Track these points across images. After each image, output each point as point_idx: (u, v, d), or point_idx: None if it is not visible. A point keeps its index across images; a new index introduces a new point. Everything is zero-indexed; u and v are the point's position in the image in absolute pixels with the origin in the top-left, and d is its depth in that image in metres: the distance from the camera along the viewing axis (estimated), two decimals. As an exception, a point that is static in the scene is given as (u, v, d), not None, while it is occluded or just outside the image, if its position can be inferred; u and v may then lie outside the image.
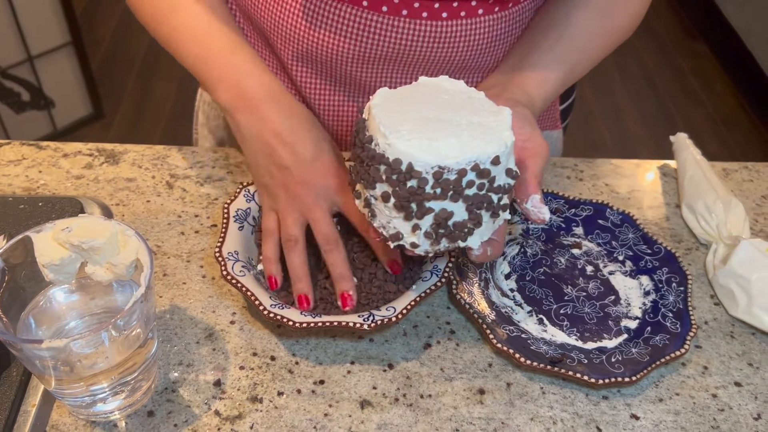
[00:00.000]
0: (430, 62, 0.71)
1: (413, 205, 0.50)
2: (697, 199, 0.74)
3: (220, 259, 0.60)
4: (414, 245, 0.52)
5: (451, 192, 0.49)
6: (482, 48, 0.70)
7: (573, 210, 0.72)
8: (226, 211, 0.64)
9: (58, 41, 2.14)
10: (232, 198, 0.66)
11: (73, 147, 0.79)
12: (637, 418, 0.57)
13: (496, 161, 0.49)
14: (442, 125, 0.50)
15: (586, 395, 0.59)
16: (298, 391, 0.58)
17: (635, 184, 0.80)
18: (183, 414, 0.55)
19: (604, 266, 0.69)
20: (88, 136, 2.26)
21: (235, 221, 0.64)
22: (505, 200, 0.52)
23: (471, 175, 0.49)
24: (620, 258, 0.70)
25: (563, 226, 0.72)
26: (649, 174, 0.82)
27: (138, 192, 0.74)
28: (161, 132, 2.31)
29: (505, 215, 0.53)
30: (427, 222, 0.50)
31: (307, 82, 0.74)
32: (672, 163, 0.83)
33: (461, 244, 0.52)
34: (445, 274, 0.61)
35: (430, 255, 0.57)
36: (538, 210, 0.56)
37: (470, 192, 0.49)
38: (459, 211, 0.50)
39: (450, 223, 0.50)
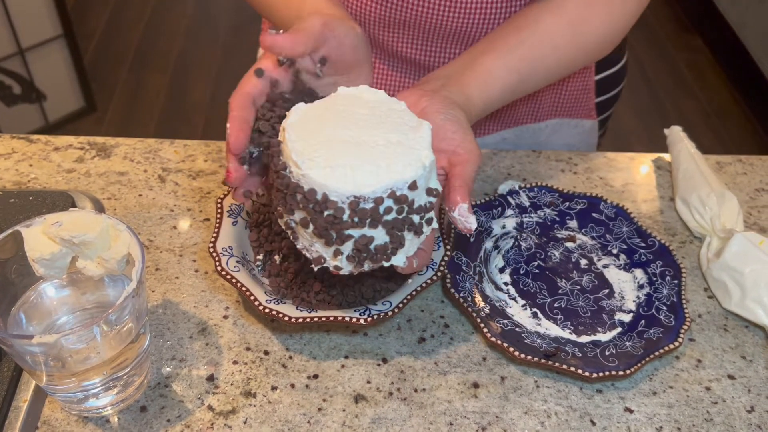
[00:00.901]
0: (447, 31, 0.73)
1: (332, 233, 0.49)
2: (691, 192, 0.74)
3: (214, 254, 0.60)
4: (337, 268, 0.52)
5: (369, 220, 0.48)
6: (497, 20, 0.71)
7: (567, 203, 0.72)
8: (219, 206, 0.64)
9: (49, 33, 2.12)
10: (226, 193, 0.65)
11: (64, 140, 0.78)
12: (631, 412, 0.57)
13: (413, 186, 0.49)
14: (358, 149, 0.49)
15: (580, 389, 0.59)
16: (292, 386, 0.57)
17: (629, 177, 0.80)
18: (176, 409, 0.55)
19: (598, 260, 0.69)
20: (80, 129, 2.25)
21: (228, 216, 0.64)
22: (429, 215, 0.51)
23: (388, 202, 0.48)
24: (614, 251, 0.69)
25: (557, 219, 0.72)
26: (643, 167, 0.82)
27: (130, 186, 0.74)
28: (155, 125, 2.29)
29: (430, 228, 0.52)
30: (348, 247, 0.50)
31: None
32: (666, 156, 0.83)
33: (385, 264, 0.51)
34: (440, 268, 0.60)
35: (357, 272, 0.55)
36: (465, 219, 0.54)
37: (389, 218, 0.49)
38: (380, 236, 0.50)
39: (372, 247, 0.50)
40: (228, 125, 0.53)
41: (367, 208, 0.48)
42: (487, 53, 0.65)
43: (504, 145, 0.87)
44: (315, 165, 0.48)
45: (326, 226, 0.49)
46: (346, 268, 0.51)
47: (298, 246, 0.53)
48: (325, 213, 0.48)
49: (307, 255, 0.52)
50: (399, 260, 0.52)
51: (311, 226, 0.49)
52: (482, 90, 0.63)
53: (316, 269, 0.52)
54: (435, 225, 0.53)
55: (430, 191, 0.51)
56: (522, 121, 0.86)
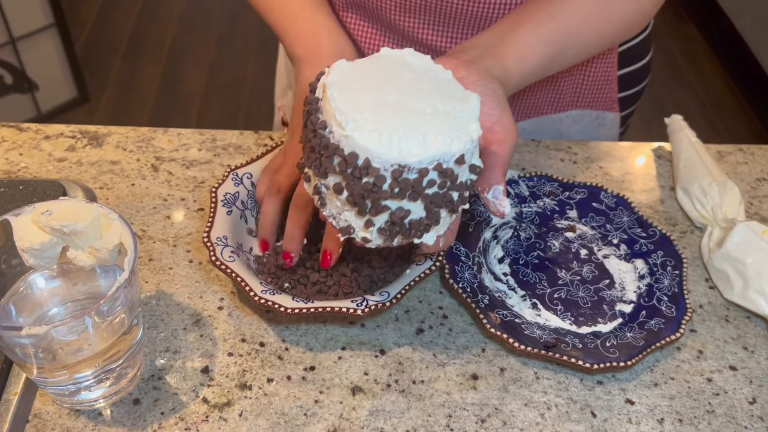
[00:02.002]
0: (467, 16, 0.72)
1: (368, 202, 0.46)
2: (692, 181, 0.73)
3: (208, 244, 0.58)
4: (366, 240, 0.49)
5: (410, 191, 0.45)
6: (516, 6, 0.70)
7: (567, 193, 0.71)
8: (213, 195, 0.63)
9: (41, 22, 2.10)
10: (220, 182, 0.64)
11: (55, 129, 0.77)
12: (632, 403, 0.57)
13: (460, 160, 0.46)
14: (404, 114, 0.46)
15: (580, 380, 0.58)
16: (288, 378, 0.56)
17: (629, 166, 0.79)
18: (170, 402, 0.54)
19: (599, 250, 0.68)
20: (73, 119, 2.23)
21: (223, 206, 0.63)
22: (466, 195, 0.49)
23: (432, 175, 0.45)
24: (615, 241, 0.69)
25: (557, 209, 0.71)
26: (643, 156, 0.81)
27: (122, 175, 0.73)
28: (149, 115, 2.28)
29: (463, 207, 0.50)
30: (381, 219, 0.47)
31: (357, 28, 0.79)
32: (666, 146, 0.82)
33: (416, 240, 0.49)
34: (439, 259, 0.59)
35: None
36: (499, 202, 0.53)
37: (431, 191, 0.46)
38: (417, 210, 0.47)
39: (406, 221, 0.47)
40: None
41: (410, 179, 0.45)
42: (520, 26, 0.63)
43: (523, 136, 0.85)
44: (359, 127, 0.44)
45: (363, 194, 0.45)
46: (376, 241, 0.48)
47: (323, 213, 0.49)
48: (364, 180, 0.45)
49: (333, 223, 0.49)
50: (430, 238, 0.49)
51: (345, 193, 0.46)
52: (519, 62, 0.61)
53: (342, 238, 0.50)
54: (467, 205, 0.50)
55: (473, 168, 0.48)
56: (542, 111, 0.85)
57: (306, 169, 0.49)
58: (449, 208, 0.48)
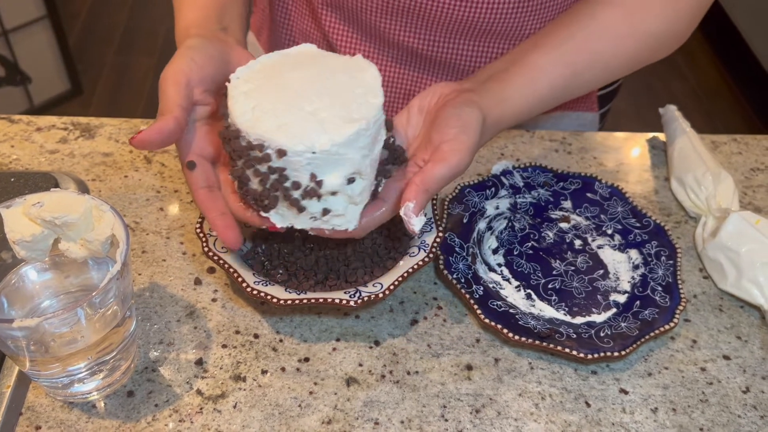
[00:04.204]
0: (452, 21, 0.70)
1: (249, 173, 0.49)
2: (686, 171, 0.73)
3: (201, 235, 0.58)
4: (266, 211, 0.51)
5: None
6: (507, 13, 0.68)
7: (561, 183, 0.71)
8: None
9: (33, 14, 2.08)
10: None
11: (47, 121, 0.76)
12: (626, 393, 0.57)
13: (282, 153, 0.47)
14: (295, 107, 0.48)
15: (574, 370, 0.58)
16: (283, 369, 0.56)
17: (623, 157, 0.79)
18: (164, 393, 0.54)
19: (593, 240, 0.68)
20: (66, 112, 2.20)
21: (215, 196, 0.62)
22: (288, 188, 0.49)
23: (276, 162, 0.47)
24: (609, 232, 0.69)
25: (551, 199, 0.71)
26: (638, 147, 0.81)
27: (115, 167, 0.72)
28: (143, 108, 2.26)
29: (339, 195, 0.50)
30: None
31: (335, 29, 0.76)
32: (660, 136, 0.82)
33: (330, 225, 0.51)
34: (433, 250, 0.59)
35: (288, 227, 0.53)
36: (408, 220, 0.50)
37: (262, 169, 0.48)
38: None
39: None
40: (214, 231, 0.53)
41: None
42: (536, 49, 0.61)
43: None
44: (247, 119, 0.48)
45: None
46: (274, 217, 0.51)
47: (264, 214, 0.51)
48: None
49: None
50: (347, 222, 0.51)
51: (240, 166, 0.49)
52: (527, 86, 0.59)
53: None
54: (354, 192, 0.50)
55: (313, 177, 0.49)
56: None
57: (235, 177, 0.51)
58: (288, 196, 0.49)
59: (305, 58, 0.53)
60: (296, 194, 0.48)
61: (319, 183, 0.48)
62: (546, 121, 0.86)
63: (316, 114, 0.48)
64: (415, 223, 0.51)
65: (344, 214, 0.51)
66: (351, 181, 0.49)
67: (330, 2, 0.74)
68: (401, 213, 0.51)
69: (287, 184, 0.48)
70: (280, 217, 0.51)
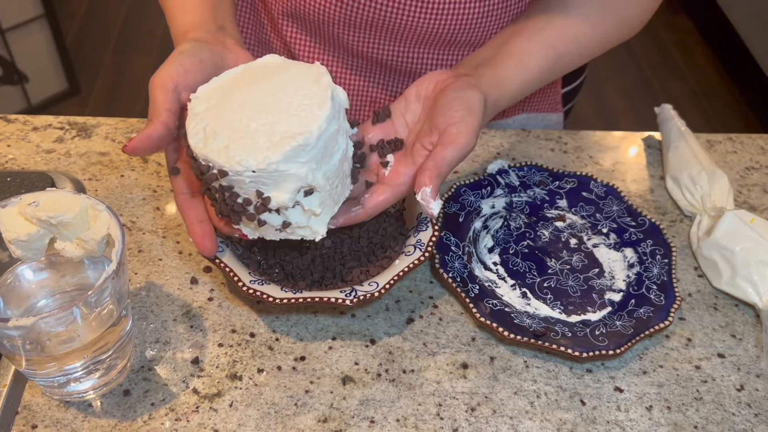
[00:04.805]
0: (417, 33, 0.69)
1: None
2: (681, 170, 0.73)
3: (197, 234, 0.58)
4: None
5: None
6: (472, 23, 0.68)
7: (557, 182, 0.71)
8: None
9: (30, 13, 2.08)
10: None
11: (44, 120, 0.77)
12: (621, 391, 0.57)
13: (222, 174, 0.48)
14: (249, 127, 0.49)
15: (569, 369, 0.58)
16: (279, 368, 0.57)
17: (619, 156, 0.79)
18: (160, 392, 0.54)
19: (588, 239, 0.68)
20: (64, 112, 2.21)
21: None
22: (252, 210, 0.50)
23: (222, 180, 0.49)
24: (604, 230, 0.69)
25: (547, 198, 0.71)
26: (633, 146, 0.81)
27: (111, 166, 0.72)
28: (140, 108, 2.26)
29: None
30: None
31: (295, 39, 0.75)
32: (656, 135, 0.82)
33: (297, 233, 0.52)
34: (429, 248, 0.59)
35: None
36: (426, 204, 0.52)
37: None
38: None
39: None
40: (191, 238, 0.54)
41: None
42: (518, 35, 0.63)
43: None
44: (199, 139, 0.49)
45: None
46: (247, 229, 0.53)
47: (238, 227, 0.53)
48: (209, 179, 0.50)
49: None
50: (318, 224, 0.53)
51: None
52: (519, 69, 0.62)
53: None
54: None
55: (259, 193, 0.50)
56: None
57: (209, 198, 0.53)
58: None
59: (268, 69, 0.53)
60: (251, 209, 0.50)
61: (266, 200, 0.49)
62: (511, 126, 0.87)
63: (259, 131, 0.48)
64: (434, 206, 0.52)
65: (307, 225, 0.51)
66: (308, 193, 0.50)
67: (291, 13, 0.73)
68: (418, 198, 0.52)
69: (239, 200, 0.49)
70: (250, 230, 0.52)
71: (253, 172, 0.47)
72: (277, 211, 0.50)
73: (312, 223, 0.52)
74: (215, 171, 0.48)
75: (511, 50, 0.63)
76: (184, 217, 0.54)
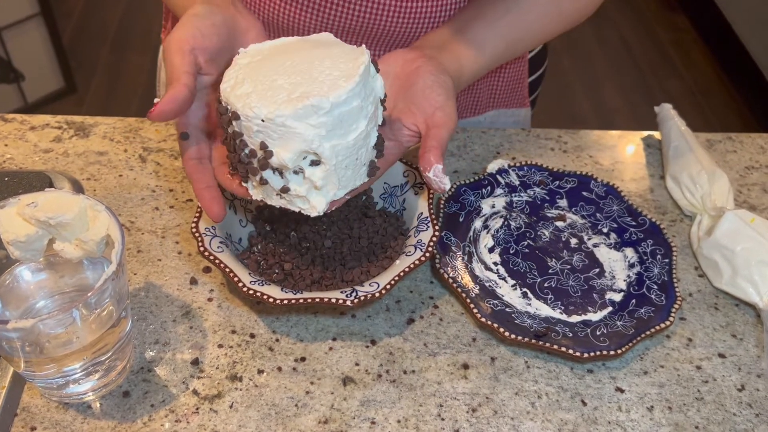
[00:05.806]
0: (395, 37, 0.71)
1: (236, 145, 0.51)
2: (681, 170, 0.73)
3: (196, 234, 0.58)
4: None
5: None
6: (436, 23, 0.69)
7: (557, 182, 0.71)
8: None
9: (26, 12, 2.07)
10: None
11: (41, 119, 0.76)
12: (622, 391, 0.57)
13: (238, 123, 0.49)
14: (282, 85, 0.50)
15: (570, 369, 0.58)
16: (279, 369, 0.56)
17: (619, 155, 0.79)
18: (160, 394, 0.54)
19: (589, 239, 0.68)
20: (60, 110, 2.20)
21: (211, 195, 0.62)
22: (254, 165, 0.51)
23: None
24: (605, 230, 0.69)
25: (547, 198, 0.71)
26: (633, 145, 0.81)
27: (110, 166, 0.72)
28: (136, 107, 2.26)
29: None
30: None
31: None
32: (655, 134, 0.82)
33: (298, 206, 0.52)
34: (429, 249, 0.59)
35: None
36: (440, 180, 0.56)
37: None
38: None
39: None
40: (199, 202, 0.54)
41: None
42: (476, 20, 0.66)
43: None
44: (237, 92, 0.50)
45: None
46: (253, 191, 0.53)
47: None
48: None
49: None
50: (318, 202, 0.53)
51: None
52: (474, 59, 0.65)
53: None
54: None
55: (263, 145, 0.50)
56: (462, 114, 0.86)
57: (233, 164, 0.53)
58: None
59: (319, 43, 0.54)
60: (255, 163, 0.50)
61: (269, 153, 0.49)
62: (482, 123, 0.88)
63: (283, 87, 0.49)
64: (447, 181, 0.56)
65: (306, 196, 0.51)
66: (315, 164, 0.50)
67: (265, 24, 0.72)
68: (431, 175, 0.56)
69: (246, 151, 0.50)
70: (255, 191, 0.53)
71: (262, 121, 0.48)
72: (280, 173, 0.50)
73: (311, 196, 0.52)
74: (230, 114, 0.49)
75: (470, 39, 0.65)
76: (193, 182, 0.54)
